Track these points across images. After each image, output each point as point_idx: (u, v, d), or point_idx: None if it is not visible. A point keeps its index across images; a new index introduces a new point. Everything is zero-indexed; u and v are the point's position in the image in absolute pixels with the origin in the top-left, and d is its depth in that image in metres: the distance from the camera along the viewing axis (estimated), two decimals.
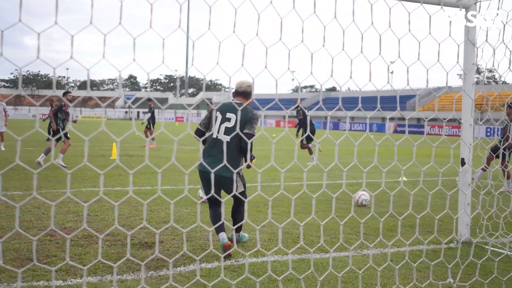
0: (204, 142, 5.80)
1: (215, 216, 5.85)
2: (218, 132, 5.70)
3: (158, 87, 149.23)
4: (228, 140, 5.59)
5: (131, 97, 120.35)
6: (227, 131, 5.66)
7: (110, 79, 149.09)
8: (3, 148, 18.86)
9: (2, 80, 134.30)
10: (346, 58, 3.74)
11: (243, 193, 5.89)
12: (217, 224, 5.78)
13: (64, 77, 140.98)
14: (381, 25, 3.66)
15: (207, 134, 5.78)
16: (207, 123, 5.85)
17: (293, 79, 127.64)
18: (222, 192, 6.24)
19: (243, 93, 5.95)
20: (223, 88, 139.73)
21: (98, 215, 7.47)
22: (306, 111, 15.84)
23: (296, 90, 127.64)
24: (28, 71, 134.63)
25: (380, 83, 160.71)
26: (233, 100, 5.97)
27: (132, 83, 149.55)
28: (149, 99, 24.33)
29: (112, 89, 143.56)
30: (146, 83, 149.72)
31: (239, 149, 5.72)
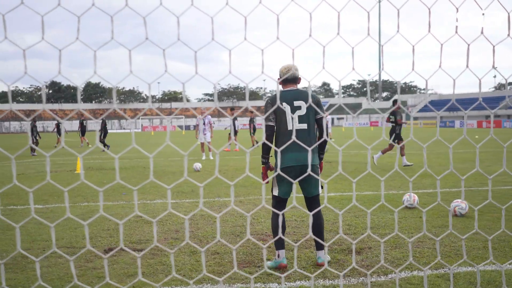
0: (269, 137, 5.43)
1: (283, 223, 5.47)
2: (293, 123, 5.29)
3: (351, 93, 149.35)
4: (306, 127, 5.33)
5: (324, 103, 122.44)
6: (301, 119, 5.32)
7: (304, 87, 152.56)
8: (211, 157, 20.33)
9: (207, 94, 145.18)
10: None
11: (318, 197, 5.58)
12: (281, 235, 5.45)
13: (261, 88, 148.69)
14: None
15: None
16: (275, 117, 5.38)
17: (495, 76, 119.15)
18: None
19: (294, 79, 5.49)
20: (418, 90, 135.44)
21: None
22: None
23: (498, 87, 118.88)
24: (229, 84, 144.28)
25: None
26: (286, 89, 5.50)
27: (325, 90, 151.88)
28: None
29: None
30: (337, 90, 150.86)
31: (316, 136, 5.48)
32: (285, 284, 4.87)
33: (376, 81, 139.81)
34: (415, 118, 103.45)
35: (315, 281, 4.93)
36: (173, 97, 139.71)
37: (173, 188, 11.42)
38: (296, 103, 5.32)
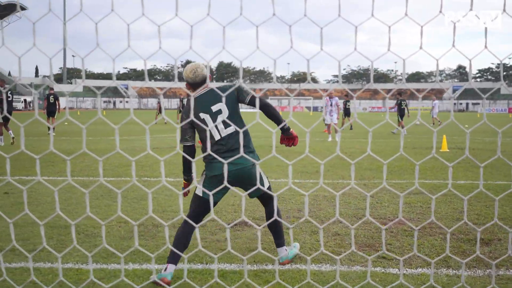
0: (189, 151, 4.70)
1: (188, 239, 4.64)
2: (219, 131, 4.60)
3: (489, 77, 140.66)
4: (234, 130, 4.62)
5: (458, 88, 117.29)
6: (226, 123, 4.60)
7: (439, 70, 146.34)
8: (337, 139, 20.23)
9: (336, 76, 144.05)
10: None
11: (269, 188, 4.91)
12: (182, 250, 4.55)
13: (392, 70, 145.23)
14: None
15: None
16: (193, 134, 4.71)
17: None
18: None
19: (204, 80, 4.70)
20: None
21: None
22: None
23: None
24: (359, 66, 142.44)
25: None
26: (197, 92, 4.69)
27: (461, 73, 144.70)
28: None
29: (441, 81, 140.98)
30: (476, 73, 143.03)
31: (248, 135, 4.74)
32: (406, 270, 4.78)
33: None
34: None
35: (438, 269, 4.79)
36: (302, 78, 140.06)
37: (298, 168, 11.57)
38: (214, 108, 4.62)
